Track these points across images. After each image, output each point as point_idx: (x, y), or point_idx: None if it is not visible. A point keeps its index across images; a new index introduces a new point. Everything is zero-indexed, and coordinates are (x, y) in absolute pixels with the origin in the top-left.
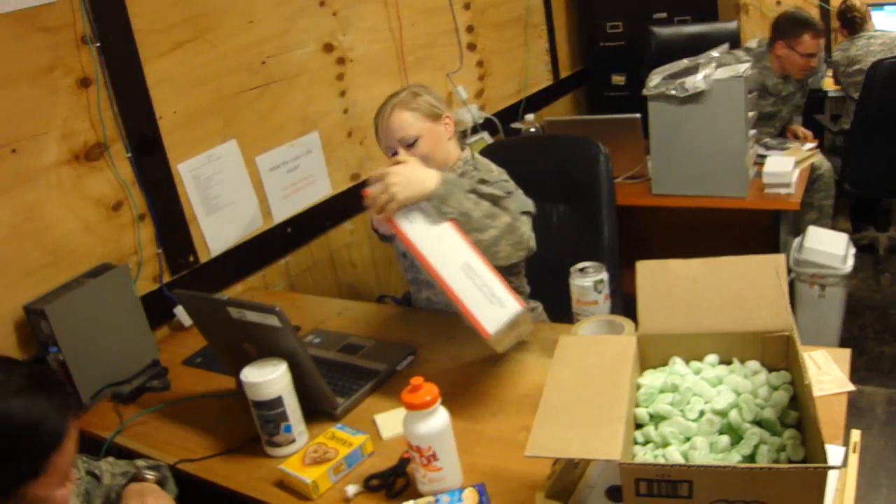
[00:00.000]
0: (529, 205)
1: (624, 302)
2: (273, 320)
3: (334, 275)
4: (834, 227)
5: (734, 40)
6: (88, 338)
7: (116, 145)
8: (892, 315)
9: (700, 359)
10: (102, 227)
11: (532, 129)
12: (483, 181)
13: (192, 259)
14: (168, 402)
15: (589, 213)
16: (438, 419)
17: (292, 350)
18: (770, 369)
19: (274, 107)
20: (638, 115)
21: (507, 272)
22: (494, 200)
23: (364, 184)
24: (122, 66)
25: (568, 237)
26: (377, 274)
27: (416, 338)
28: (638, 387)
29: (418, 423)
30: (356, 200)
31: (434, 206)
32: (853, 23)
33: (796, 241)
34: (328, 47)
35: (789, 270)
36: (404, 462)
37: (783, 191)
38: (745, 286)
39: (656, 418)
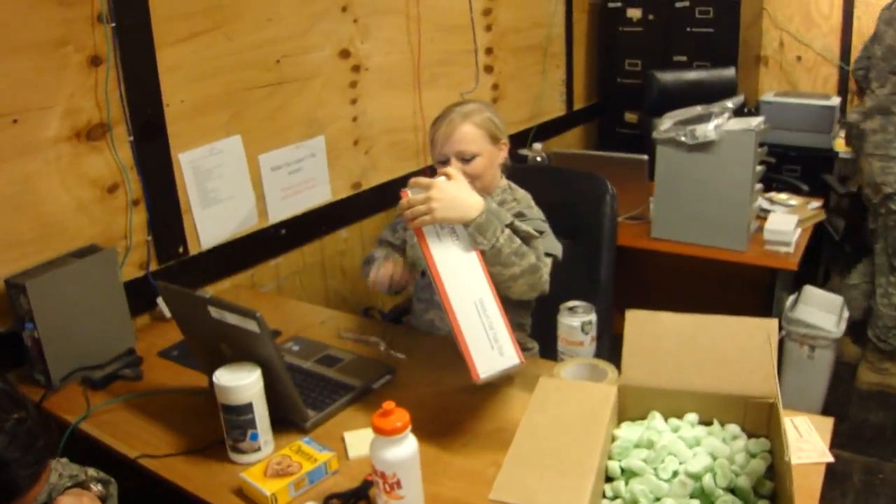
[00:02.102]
0: (557, 249)
1: (612, 343)
2: (252, 325)
3: (323, 281)
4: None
5: (731, 88)
6: (66, 318)
7: (119, 128)
8: None
9: (680, 416)
10: (95, 208)
11: (539, 158)
12: (521, 215)
13: (181, 250)
14: (137, 394)
15: (589, 251)
16: (406, 447)
17: (268, 357)
18: (750, 435)
19: (283, 107)
20: (645, 157)
21: (517, 306)
22: (526, 239)
23: (397, 185)
24: (134, 49)
25: (565, 272)
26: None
27: (397, 357)
28: (613, 438)
29: (385, 448)
30: (355, 209)
31: (469, 233)
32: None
33: (790, 299)
34: (345, 53)
35: (781, 328)
36: (367, 485)
37: (783, 249)
38: (734, 347)
39: (628, 473)
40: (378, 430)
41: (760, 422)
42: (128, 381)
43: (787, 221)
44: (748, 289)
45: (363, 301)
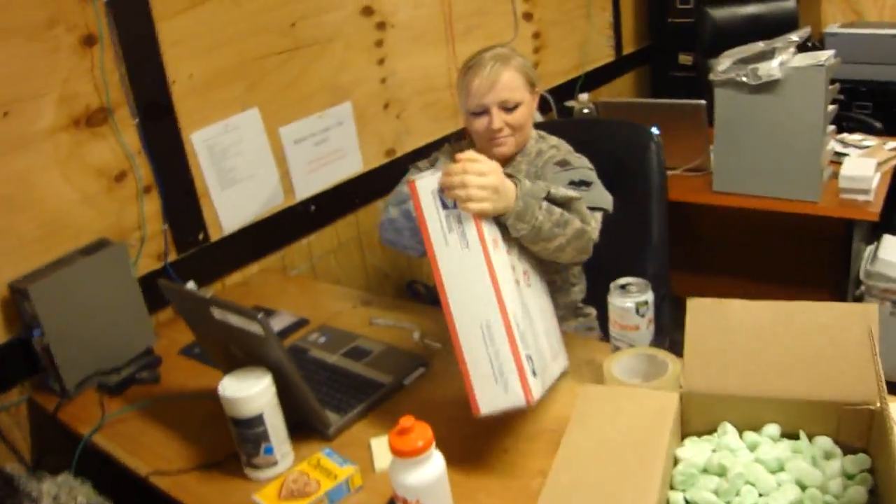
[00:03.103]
0: (606, 201)
1: (673, 307)
2: (256, 328)
3: (361, 257)
4: None
5: (793, 21)
6: (77, 321)
7: (122, 110)
8: None
9: (757, 429)
10: (102, 200)
11: (585, 110)
12: (566, 163)
13: (201, 237)
14: (152, 400)
15: (638, 207)
16: (430, 469)
17: (278, 361)
18: (845, 450)
19: (302, 74)
20: (703, 102)
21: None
22: (567, 204)
23: (434, 149)
24: (131, 24)
25: (614, 233)
26: (409, 257)
27: (432, 346)
28: (675, 461)
29: (405, 471)
30: (390, 178)
31: (508, 224)
32: None
33: (868, 249)
34: (367, 10)
35: (858, 283)
36: None
37: (861, 197)
38: (823, 341)
39: None
40: (396, 452)
41: (858, 432)
42: (144, 384)
43: (864, 166)
44: (821, 243)
45: (406, 275)
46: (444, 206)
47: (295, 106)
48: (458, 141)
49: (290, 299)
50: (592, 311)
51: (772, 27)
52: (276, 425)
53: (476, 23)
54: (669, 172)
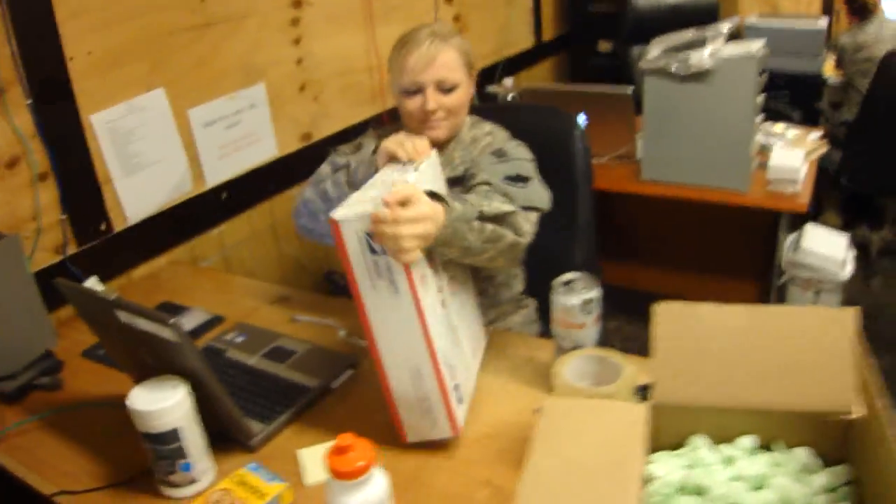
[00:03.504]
0: (543, 200)
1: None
2: (168, 334)
3: (277, 247)
4: (823, 223)
5: (712, 12)
6: None
7: (13, 90)
8: (882, 323)
9: (731, 441)
10: None
11: (510, 96)
12: (502, 154)
13: (104, 227)
14: (55, 409)
15: (563, 195)
16: (373, 490)
17: (194, 369)
18: (824, 461)
19: (213, 52)
20: (630, 90)
21: None
22: (501, 217)
23: (352, 133)
24: None
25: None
26: (326, 246)
27: (360, 344)
28: (647, 480)
29: (345, 494)
30: (306, 163)
31: (432, 249)
32: (864, 9)
33: (790, 238)
34: None
35: (781, 272)
36: None
37: (789, 189)
38: (800, 348)
39: None
40: (335, 474)
41: (836, 442)
42: (46, 390)
43: (793, 157)
44: (748, 233)
45: (323, 265)
46: (373, 251)
47: (205, 87)
48: (381, 125)
49: (202, 294)
50: (532, 302)
51: (693, 17)
52: (193, 439)
53: (396, 3)
54: (596, 161)
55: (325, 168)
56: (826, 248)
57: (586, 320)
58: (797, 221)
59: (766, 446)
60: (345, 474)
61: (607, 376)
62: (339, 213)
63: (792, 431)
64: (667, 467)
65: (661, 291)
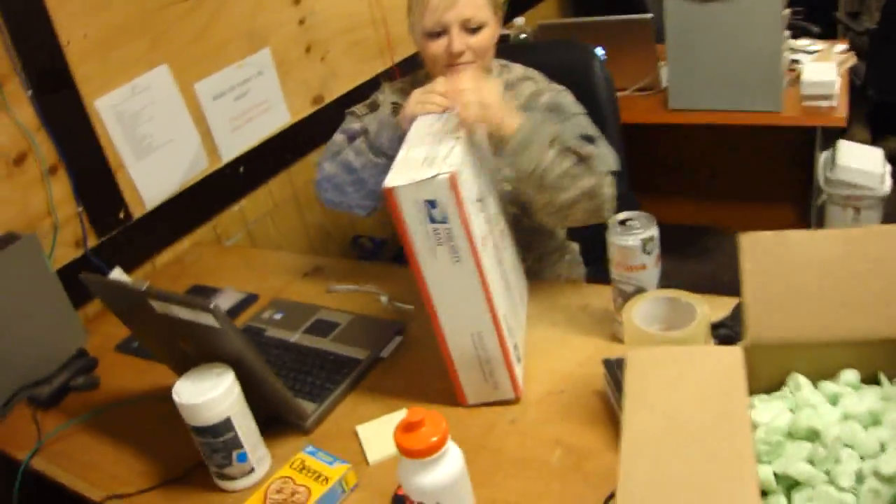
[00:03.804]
0: (611, 161)
1: None
2: (208, 319)
3: (300, 216)
4: (850, 137)
5: None
6: None
7: (11, 83)
8: None
9: (831, 377)
10: (2, 188)
11: (523, 36)
12: (559, 109)
13: (122, 215)
14: (95, 411)
15: None
16: (448, 467)
17: (239, 353)
18: None
19: (212, 21)
20: (649, 16)
21: None
22: (580, 156)
23: (364, 91)
24: None
25: None
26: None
27: (404, 309)
28: (752, 426)
29: (419, 473)
30: (321, 127)
31: (506, 154)
32: None
33: (823, 156)
34: None
35: (819, 192)
36: (400, 500)
37: (824, 103)
38: None
39: (784, 481)
40: (406, 452)
41: None
42: (82, 391)
43: (825, 71)
44: (781, 155)
45: (349, 231)
46: (432, 219)
47: (208, 58)
48: (393, 80)
49: (231, 274)
50: (575, 246)
51: None
52: (247, 427)
53: None
54: (619, 94)
55: (338, 137)
56: (862, 163)
57: (647, 261)
58: (828, 140)
59: (870, 380)
60: (418, 452)
61: (679, 319)
62: (393, 180)
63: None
64: (770, 412)
65: (697, 224)
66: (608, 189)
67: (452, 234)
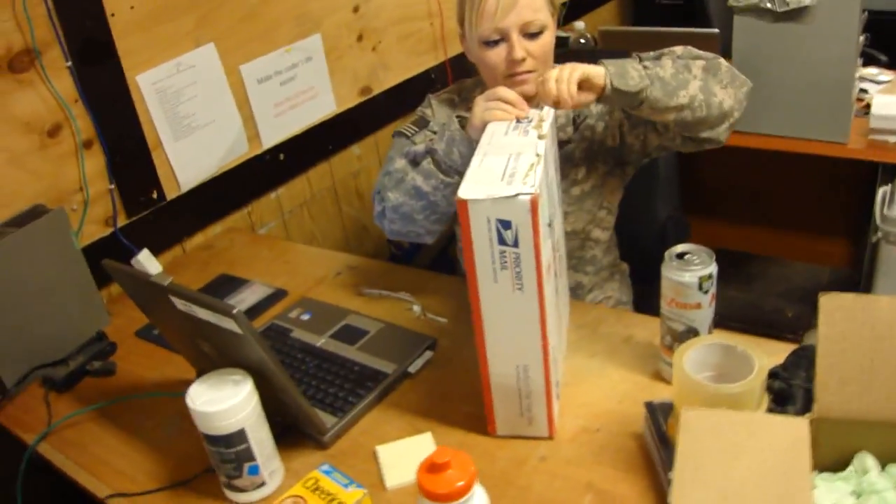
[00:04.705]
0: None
1: None
2: (231, 324)
3: (337, 209)
4: None
5: None
6: (12, 305)
7: (52, 52)
8: None
9: None
10: (34, 159)
11: (582, 40)
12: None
13: (155, 196)
14: (108, 401)
15: None
16: None
17: (261, 362)
18: None
19: (264, 2)
20: (716, 31)
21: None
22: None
23: (414, 85)
24: None
25: None
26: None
27: (437, 321)
28: None
29: None
30: (367, 119)
31: (611, 91)
32: None
33: (882, 191)
34: None
35: (876, 229)
36: None
37: (892, 138)
38: None
39: None
40: (429, 495)
41: None
42: (98, 376)
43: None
44: (840, 187)
45: None
46: (502, 240)
47: (257, 40)
48: (437, 92)
49: (261, 265)
50: (626, 266)
51: None
52: (261, 439)
53: None
54: None
55: (398, 163)
56: None
57: (702, 300)
58: (890, 174)
59: None
60: (442, 497)
61: (734, 368)
62: (468, 191)
63: None
64: (833, 494)
65: (747, 250)
66: (722, 60)
67: (521, 261)
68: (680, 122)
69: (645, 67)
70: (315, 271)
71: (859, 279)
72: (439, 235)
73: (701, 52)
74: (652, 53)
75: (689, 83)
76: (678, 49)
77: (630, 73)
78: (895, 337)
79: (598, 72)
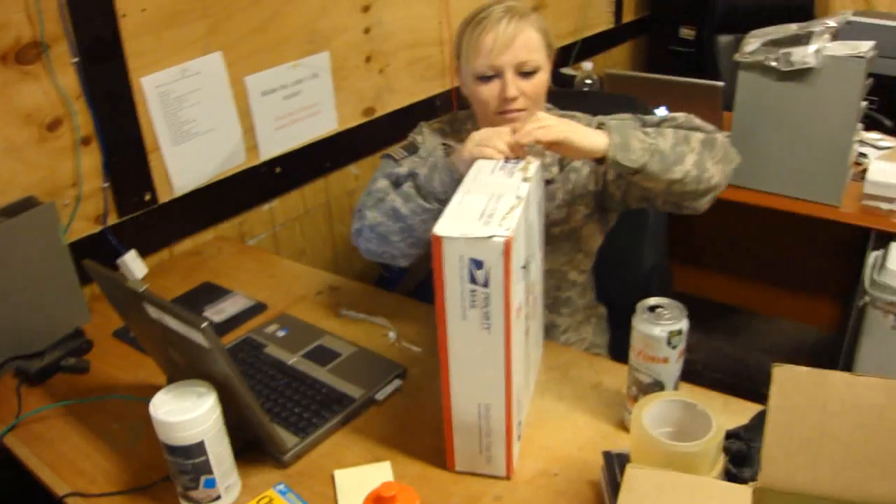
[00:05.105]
0: (701, 122)
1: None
2: (199, 338)
3: (329, 226)
4: None
5: (806, 7)
6: None
7: (59, 46)
8: None
9: None
10: (31, 151)
11: (588, 80)
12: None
13: (148, 198)
14: (77, 400)
15: None
16: None
17: (225, 377)
18: None
19: (276, 16)
20: (721, 84)
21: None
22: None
23: (418, 110)
24: None
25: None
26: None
27: (411, 350)
28: None
29: None
30: (367, 139)
31: (613, 162)
32: None
33: (874, 256)
34: None
35: (864, 293)
36: None
37: (885, 206)
38: None
39: None
40: None
41: None
42: (71, 373)
43: (892, 172)
44: (830, 249)
45: None
46: (473, 280)
47: (265, 52)
48: (430, 121)
49: (246, 276)
50: (604, 309)
51: (784, 11)
52: (220, 454)
53: None
54: None
55: (381, 183)
56: None
57: (670, 355)
58: (882, 239)
59: None
60: None
61: (692, 426)
62: (444, 228)
63: None
64: None
65: (731, 303)
66: (718, 134)
67: (490, 301)
68: (668, 192)
69: (646, 134)
70: (297, 288)
71: (842, 341)
72: (419, 259)
73: (701, 123)
74: (655, 119)
75: (686, 157)
76: (680, 116)
77: (633, 145)
78: (846, 413)
79: (598, 141)
